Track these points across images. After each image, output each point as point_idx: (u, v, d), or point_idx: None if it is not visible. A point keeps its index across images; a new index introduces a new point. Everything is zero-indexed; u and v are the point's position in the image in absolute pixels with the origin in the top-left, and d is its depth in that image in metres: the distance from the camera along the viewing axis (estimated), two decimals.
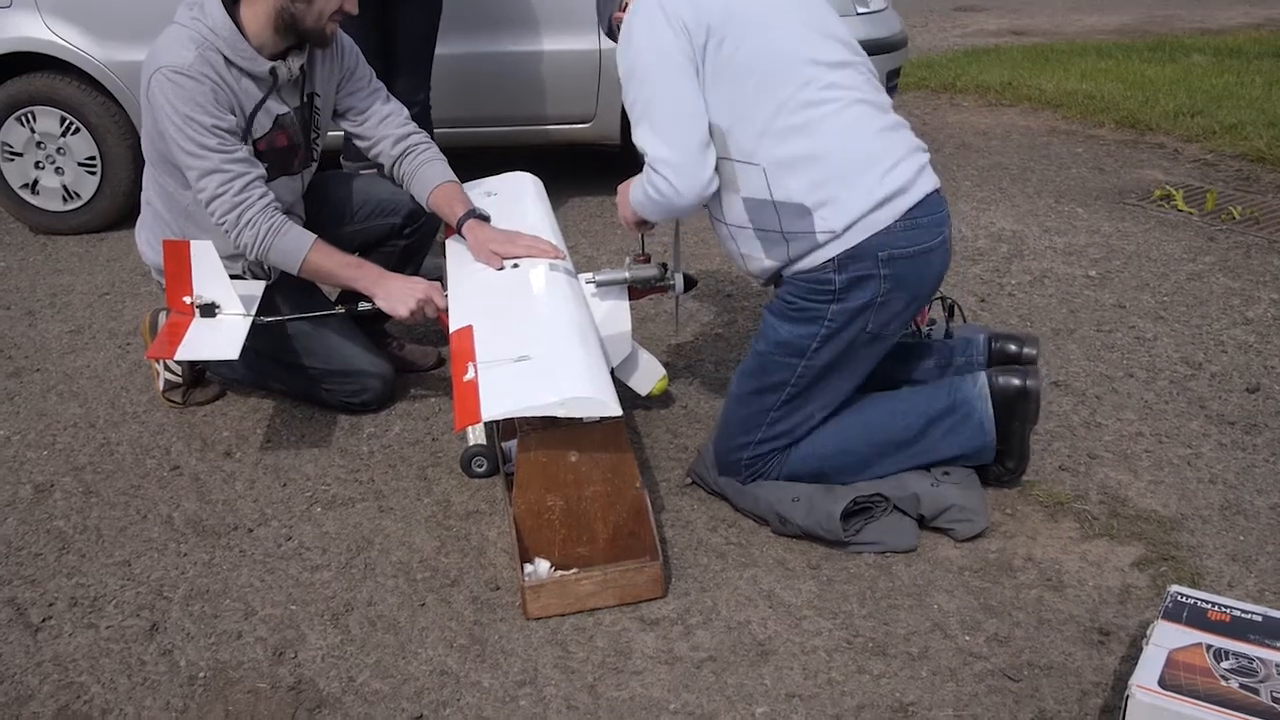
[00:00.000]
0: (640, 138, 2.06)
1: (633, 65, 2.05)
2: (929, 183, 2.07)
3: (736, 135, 2.02)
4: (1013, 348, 2.27)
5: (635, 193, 2.17)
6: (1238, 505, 2.22)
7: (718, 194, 2.10)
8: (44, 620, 1.99)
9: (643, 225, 2.31)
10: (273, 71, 2.40)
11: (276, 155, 2.49)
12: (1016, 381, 2.14)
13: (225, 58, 2.34)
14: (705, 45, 1.99)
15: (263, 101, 2.42)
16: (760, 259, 2.12)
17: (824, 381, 2.12)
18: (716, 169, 2.06)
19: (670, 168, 2.03)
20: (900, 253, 2.01)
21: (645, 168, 2.08)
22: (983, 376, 2.15)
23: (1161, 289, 3.29)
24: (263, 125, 2.45)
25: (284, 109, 2.48)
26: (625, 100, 2.09)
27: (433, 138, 2.74)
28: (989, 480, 2.25)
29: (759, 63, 1.99)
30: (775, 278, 2.16)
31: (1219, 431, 2.49)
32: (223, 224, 2.38)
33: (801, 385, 2.12)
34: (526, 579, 1.95)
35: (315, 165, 2.69)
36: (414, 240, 2.79)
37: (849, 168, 2.00)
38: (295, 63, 2.44)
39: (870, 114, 2.05)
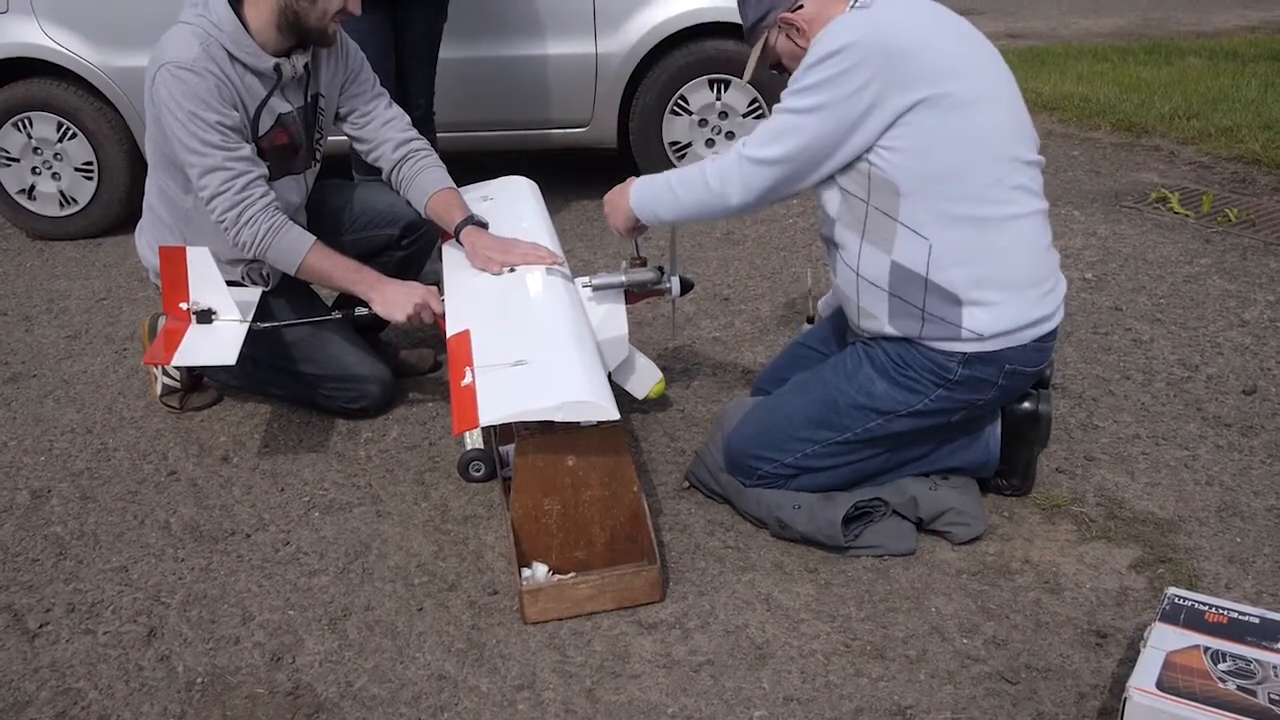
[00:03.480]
0: (762, 130, 1.99)
1: (813, 82, 1.90)
2: (1062, 312, 2.05)
3: (910, 202, 1.91)
4: None
5: (661, 185, 2.13)
6: (1235, 507, 2.22)
7: (857, 239, 2.01)
8: (41, 626, 1.99)
9: (634, 231, 2.31)
10: (277, 68, 2.40)
11: (277, 154, 2.49)
12: (1028, 405, 2.14)
13: (229, 54, 2.34)
14: (910, 109, 1.86)
15: (267, 99, 2.42)
16: (880, 321, 2.03)
17: (883, 444, 2.09)
18: (871, 222, 1.98)
19: (758, 173, 1.97)
20: (1021, 370, 2.01)
21: (728, 156, 2.02)
22: None
23: (1158, 291, 3.29)
24: (264, 123, 2.45)
25: (287, 107, 2.49)
26: (790, 84, 1.96)
27: (435, 143, 2.75)
28: (991, 492, 2.25)
29: (961, 144, 1.89)
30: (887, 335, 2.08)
31: (1216, 433, 2.50)
32: (223, 222, 2.38)
33: (864, 438, 2.08)
34: (524, 583, 1.95)
35: (318, 167, 2.69)
36: (411, 251, 2.78)
37: (1016, 281, 1.95)
38: (299, 61, 2.44)
39: (1043, 227, 2.01)
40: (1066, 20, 8.82)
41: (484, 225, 2.48)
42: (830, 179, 2.01)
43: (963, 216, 1.91)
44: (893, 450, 2.12)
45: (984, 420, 2.15)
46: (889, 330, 2.03)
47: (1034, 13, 9.23)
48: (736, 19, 3.85)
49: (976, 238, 1.92)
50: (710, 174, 2.05)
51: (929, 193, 1.91)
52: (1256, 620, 1.67)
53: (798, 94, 1.93)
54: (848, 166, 1.96)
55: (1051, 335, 2.03)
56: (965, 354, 1.97)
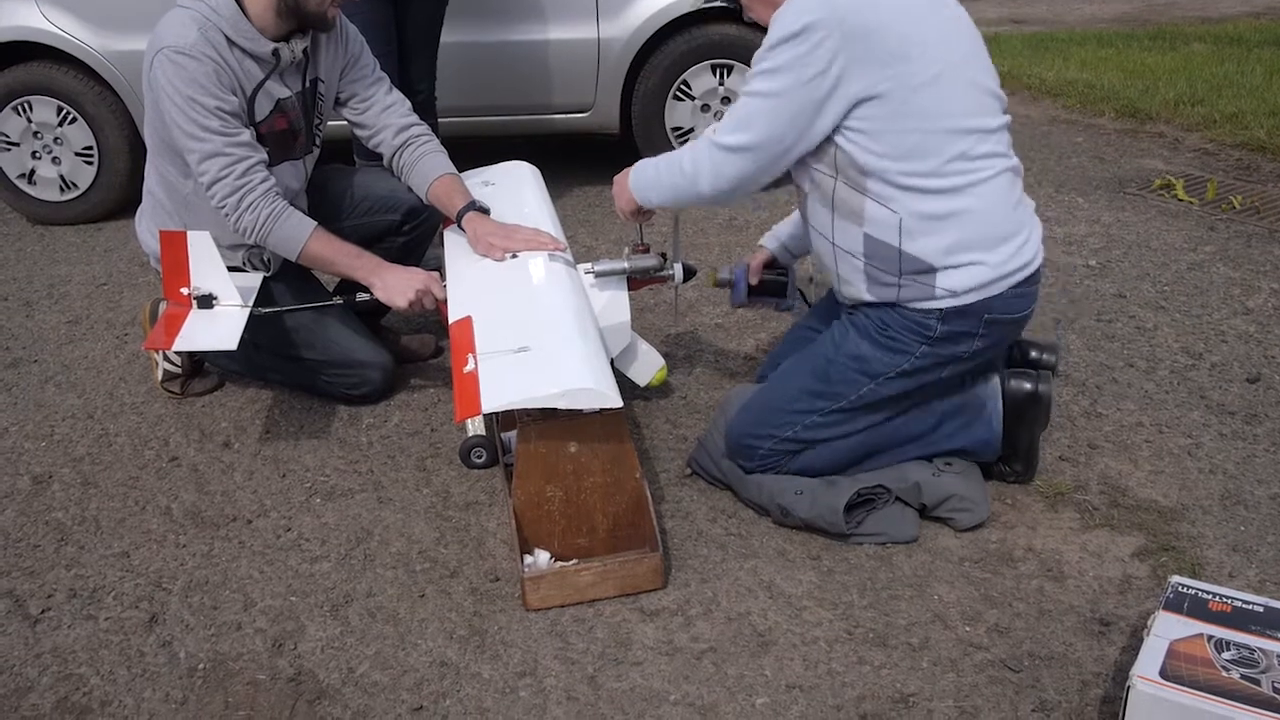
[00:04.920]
0: (730, 114, 2.00)
1: (775, 66, 1.91)
2: (1042, 255, 2.06)
3: (878, 179, 1.94)
4: (1033, 354, 2.26)
5: (650, 166, 2.14)
6: (1238, 495, 2.22)
7: (829, 212, 2.05)
8: (43, 612, 1.99)
9: (639, 215, 2.30)
10: (275, 53, 2.39)
11: (277, 139, 2.48)
12: (1028, 386, 2.15)
13: (227, 38, 2.33)
14: (868, 97, 1.88)
15: (263, 82, 2.41)
16: (858, 289, 2.07)
17: (879, 409, 2.10)
18: (840, 196, 2.00)
19: (727, 161, 1.98)
20: (1002, 318, 2.02)
21: (700, 141, 2.03)
22: (995, 377, 2.16)
23: (1162, 279, 3.28)
24: (263, 107, 2.44)
25: (286, 92, 2.47)
26: (753, 63, 1.97)
27: (436, 127, 2.73)
28: (995, 479, 2.24)
29: (922, 122, 1.90)
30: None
31: (1219, 421, 2.49)
32: (223, 207, 2.37)
33: (858, 404, 2.09)
34: (526, 570, 1.95)
35: (317, 152, 2.68)
36: (413, 237, 2.77)
37: (987, 240, 1.96)
38: (298, 45, 2.43)
39: (1012, 183, 2.02)
40: (1070, 6, 8.77)
41: (486, 211, 2.47)
42: (803, 157, 2.03)
43: (930, 190, 1.93)
44: (891, 421, 2.13)
45: (982, 391, 2.15)
46: (867, 296, 2.06)
47: None
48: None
49: (943, 207, 1.94)
50: (686, 159, 2.07)
51: (893, 170, 1.93)
52: (1260, 609, 1.67)
53: (760, 76, 1.95)
54: (815, 147, 1.98)
55: (1030, 281, 2.03)
56: (942, 310, 2.00)
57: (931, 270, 1.97)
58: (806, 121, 1.93)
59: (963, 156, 1.93)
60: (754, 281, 2.48)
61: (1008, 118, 2.03)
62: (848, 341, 2.10)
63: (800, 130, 1.94)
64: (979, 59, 2.01)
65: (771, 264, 2.50)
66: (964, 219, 1.95)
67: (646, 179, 2.18)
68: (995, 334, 2.04)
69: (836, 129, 1.94)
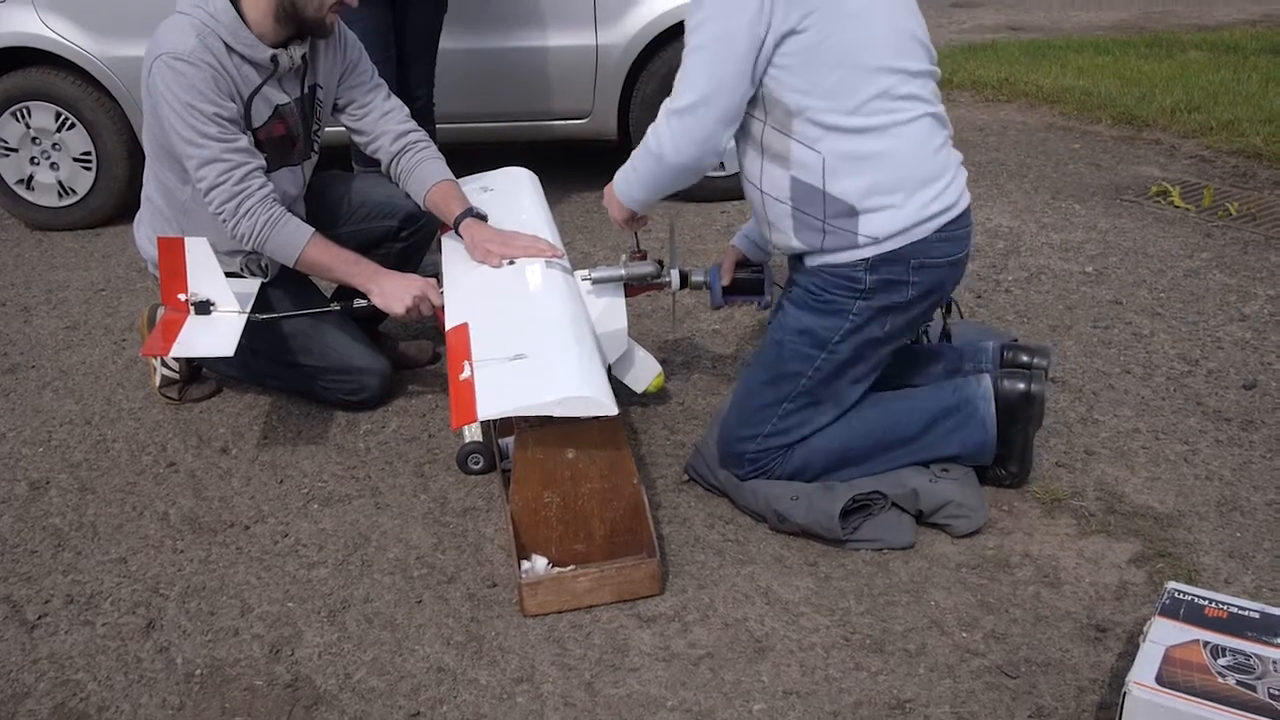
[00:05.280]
0: (677, 79, 2.02)
1: (705, 16, 1.95)
2: (967, 199, 2.09)
3: (803, 119, 1.97)
4: (1024, 358, 2.27)
5: (627, 166, 2.16)
6: (1234, 502, 2.22)
7: (758, 157, 2.08)
8: (40, 618, 1.99)
9: (633, 222, 2.31)
10: (274, 59, 2.39)
11: (275, 146, 2.49)
12: (1021, 386, 2.15)
13: (226, 44, 2.34)
14: (792, 32, 1.91)
15: (260, 87, 2.41)
16: (787, 235, 2.10)
17: (839, 379, 2.12)
18: (768, 140, 2.04)
19: (682, 124, 2.00)
20: (931, 262, 2.03)
21: (659, 117, 2.05)
22: (987, 378, 2.17)
23: (1158, 285, 3.29)
24: (261, 114, 2.44)
25: (284, 98, 2.48)
26: (686, 24, 2.02)
27: (434, 134, 2.73)
28: (990, 483, 2.25)
29: (844, 58, 1.93)
30: (795, 261, 2.16)
31: (1216, 428, 2.49)
32: (221, 214, 2.38)
33: (818, 379, 2.11)
34: (523, 576, 1.95)
35: (315, 158, 2.68)
36: (410, 243, 2.77)
37: (907, 183, 1.99)
38: (297, 51, 2.43)
39: (934, 128, 2.04)
40: (1067, 13, 8.79)
41: (483, 217, 2.47)
42: None
43: (851, 128, 1.96)
44: (856, 378, 2.13)
45: (975, 393, 2.16)
46: (795, 243, 2.08)
47: (1035, 5, 9.20)
48: None
49: (865, 147, 1.97)
50: (650, 139, 2.09)
51: (817, 108, 1.96)
52: (1256, 615, 1.67)
53: (694, 31, 1.98)
54: None
55: (956, 224, 2.05)
56: (867, 259, 2.02)
57: (854, 214, 1.99)
58: (748, 65, 1.95)
59: (884, 95, 1.96)
60: (727, 281, 2.48)
61: (935, 69, 2.07)
62: (788, 318, 2.13)
63: (744, 73, 1.96)
64: (907, 6, 2.04)
65: (745, 263, 2.50)
66: (884, 159, 1.98)
67: (625, 178, 2.20)
68: (928, 278, 2.05)
69: (765, 68, 1.97)
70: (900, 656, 1.83)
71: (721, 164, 2.46)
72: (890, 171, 1.98)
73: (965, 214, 2.08)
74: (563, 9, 3.90)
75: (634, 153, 2.16)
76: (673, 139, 2.03)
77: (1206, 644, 1.61)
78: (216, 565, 2.12)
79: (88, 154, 4.00)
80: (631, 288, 2.45)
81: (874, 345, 2.11)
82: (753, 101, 2.02)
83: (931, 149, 2.03)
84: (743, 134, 2.10)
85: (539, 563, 1.99)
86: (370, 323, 2.84)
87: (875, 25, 1.96)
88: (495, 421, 2.39)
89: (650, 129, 2.09)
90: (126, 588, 2.06)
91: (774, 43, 1.93)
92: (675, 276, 2.43)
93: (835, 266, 2.05)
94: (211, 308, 2.43)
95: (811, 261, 2.09)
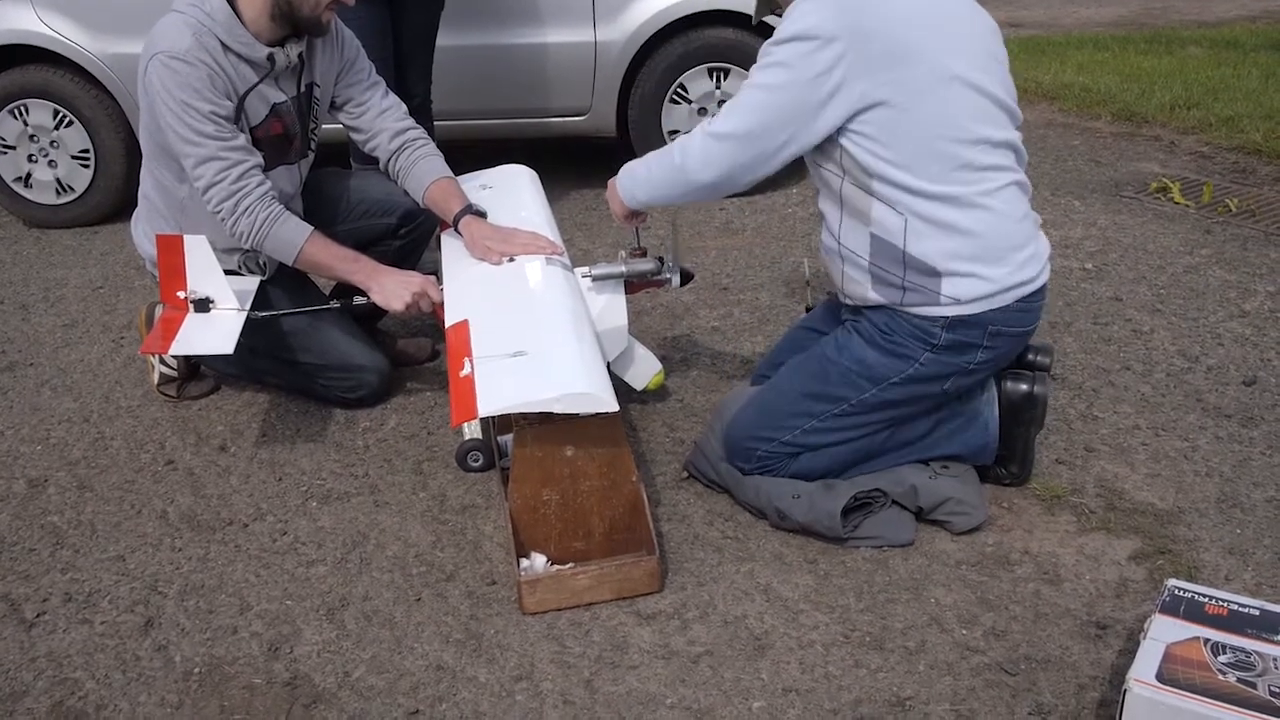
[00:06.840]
0: (728, 105, 2.00)
1: (778, 60, 1.92)
2: (1047, 273, 2.07)
3: (883, 181, 1.94)
4: (1028, 355, 2.26)
5: (640, 165, 2.15)
6: (1234, 498, 2.22)
7: (837, 210, 2.05)
8: (38, 616, 1.99)
9: (633, 218, 2.30)
10: (270, 58, 2.39)
11: (272, 144, 2.48)
12: (1024, 386, 2.15)
13: (222, 43, 2.33)
14: (872, 104, 1.88)
15: (255, 85, 2.40)
16: (863, 289, 2.06)
17: (878, 413, 2.10)
18: (846, 194, 2.01)
19: (718, 149, 1.98)
20: (1007, 331, 2.02)
21: (694, 131, 2.04)
22: (991, 380, 2.16)
23: (1158, 282, 3.29)
24: (258, 112, 2.43)
25: (281, 97, 2.47)
26: (759, 56, 1.98)
27: (432, 131, 2.72)
28: (990, 482, 2.24)
29: (927, 130, 1.90)
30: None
31: (1216, 424, 2.49)
32: (219, 212, 2.37)
33: (860, 409, 2.09)
34: (522, 573, 1.94)
35: (313, 156, 2.67)
36: (409, 240, 2.77)
37: (991, 252, 1.96)
38: (293, 50, 2.43)
39: (1018, 197, 2.02)
40: (1067, 9, 8.79)
41: (483, 214, 2.47)
42: (811, 156, 2.03)
43: (934, 195, 1.93)
44: (890, 426, 2.12)
45: (979, 398, 2.16)
46: (873, 296, 2.05)
47: (1035, 1, 9.19)
48: (735, 6, 3.89)
49: (949, 215, 1.94)
50: (677, 149, 2.08)
51: (898, 174, 1.93)
52: (1256, 612, 1.67)
53: (763, 69, 1.95)
54: (821, 145, 1.98)
55: (1035, 296, 2.04)
56: (947, 318, 1.99)
57: (936, 274, 1.96)
58: (802, 121, 1.93)
59: (967, 166, 1.93)
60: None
61: (1018, 134, 2.03)
62: (851, 345, 2.10)
63: (793, 129, 1.94)
64: (992, 70, 1.99)
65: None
66: (969, 229, 1.94)
67: (636, 177, 2.19)
68: (1000, 347, 2.04)
69: (841, 131, 1.94)
70: (900, 654, 1.83)
71: None
72: (975, 240, 1.95)
73: (1043, 289, 2.05)
74: (561, 5, 3.89)
75: (651, 156, 2.15)
76: (702, 158, 2.02)
77: (1207, 641, 1.61)
78: (215, 563, 2.12)
79: (86, 152, 3.99)
80: (632, 285, 2.44)
81: (928, 399, 2.09)
82: (830, 157, 1.99)
83: (1016, 218, 2.00)
84: (822, 185, 2.07)
85: (538, 560, 1.99)
86: (369, 320, 2.84)
87: (960, 95, 1.92)
88: (494, 419, 2.39)
89: (680, 139, 2.08)
90: (125, 586, 2.06)
91: (847, 110, 1.90)
92: (676, 275, 2.43)
93: (911, 315, 2.02)
94: (210, 305, 2.42)
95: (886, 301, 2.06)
